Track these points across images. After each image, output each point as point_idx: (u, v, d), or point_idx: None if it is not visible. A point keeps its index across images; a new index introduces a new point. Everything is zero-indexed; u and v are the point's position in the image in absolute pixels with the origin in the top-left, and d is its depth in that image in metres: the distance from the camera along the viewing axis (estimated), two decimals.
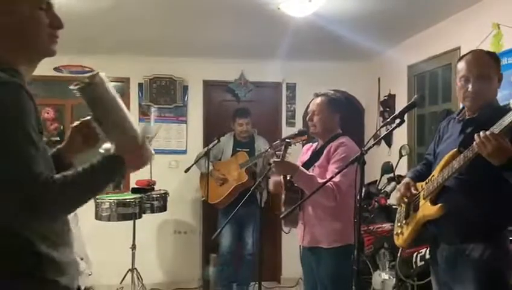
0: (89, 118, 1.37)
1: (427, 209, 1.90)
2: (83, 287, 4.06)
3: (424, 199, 1.94)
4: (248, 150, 4.21)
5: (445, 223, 1.86)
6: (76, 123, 1.43)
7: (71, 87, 1.25)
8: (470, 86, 1.87)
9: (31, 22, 1.21)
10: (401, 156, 3.59)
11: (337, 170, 2.24)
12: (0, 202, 1.06)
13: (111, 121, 1.30)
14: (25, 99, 1.10)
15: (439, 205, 1.84)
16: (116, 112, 1.29)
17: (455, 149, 1.83)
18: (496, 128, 1.59)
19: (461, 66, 1.93)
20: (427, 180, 1.96)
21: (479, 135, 1.61)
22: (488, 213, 1.80)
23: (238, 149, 4.24)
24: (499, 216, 1.83)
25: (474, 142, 1.64)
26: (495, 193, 1.79)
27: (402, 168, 3.68)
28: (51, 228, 1.18)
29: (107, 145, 1.34)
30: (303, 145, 2.89)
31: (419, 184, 2.03)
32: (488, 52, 1.99)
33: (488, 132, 1.59)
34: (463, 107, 2.01)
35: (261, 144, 4.25)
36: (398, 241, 2.11)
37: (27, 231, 1.12)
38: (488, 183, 1.77)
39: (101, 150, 1.38)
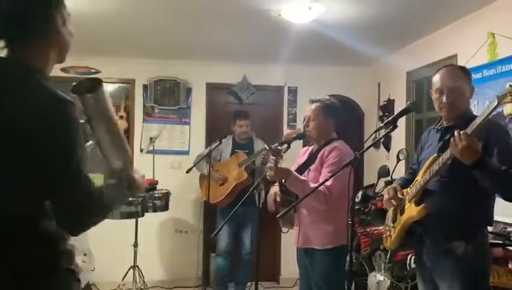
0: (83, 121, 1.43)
1: (412, 211, 2.01)
2: (85, 283, 4.15)
3: (409, 202, 2.05)
4: (247, 151, 4.28)
5: (429, 223, 1.97)
6: None
7: (71, 92, 1.33)
8: (444, 98, 2.00)
9: (68, 35, 1.30)
10: (398, 160, 3.66)
11: (329, 174, 2.32)
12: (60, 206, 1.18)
13: (101, 127, 1.36)
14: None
15: (422, 205, 1.96)
16: (107, 118, 1.36)
17: (435, 154, 1.95)
18: (468, 129, 1.72)
19: (436, 79, 2.06)
20: (411, 185, 2.07)
21: (453, 135, 1.74)
22: (468, 212, 1.92)
23: (236, 151, 4.30)
24: (478, 215, 1.95)
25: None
26: (473, 194, 1.90)
27: (399, 172, 3.75)
28: None
29: (90, 142, 1.41)
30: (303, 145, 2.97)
31: (405, 190, 2.13)
32: (460, 67, 2.15)
33: (461, 132, 1.72)
34: (441, 118, 2.12)
35: (260, 146, 4.30)
36: (387, 243, 2.22)
37: (57, 233, 1.22)
38: (467, 185, 1.88)
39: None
